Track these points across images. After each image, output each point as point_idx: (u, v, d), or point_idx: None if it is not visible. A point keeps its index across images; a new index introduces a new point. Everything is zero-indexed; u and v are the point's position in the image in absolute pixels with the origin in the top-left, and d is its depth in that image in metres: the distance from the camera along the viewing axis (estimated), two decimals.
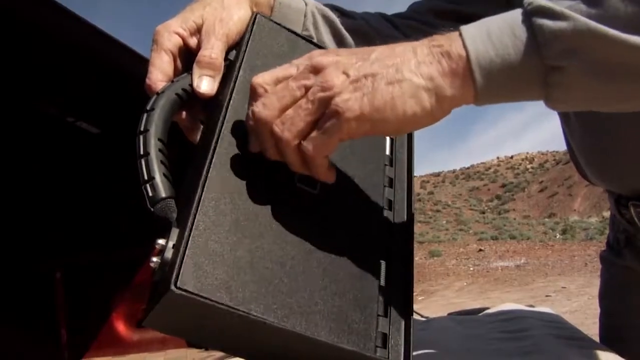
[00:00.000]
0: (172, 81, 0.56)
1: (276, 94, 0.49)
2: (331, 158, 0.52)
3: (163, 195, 0.46)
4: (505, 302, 1.36)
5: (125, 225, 2.79)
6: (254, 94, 0.50)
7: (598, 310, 1.07)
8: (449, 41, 0.48)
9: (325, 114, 0.47)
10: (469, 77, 0.47)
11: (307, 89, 0.48)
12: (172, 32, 0.59)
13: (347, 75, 0.47)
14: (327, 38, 0.77)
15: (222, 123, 0.51)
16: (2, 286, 2.96)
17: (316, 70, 0.48)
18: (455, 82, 0.47)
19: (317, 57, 0.49)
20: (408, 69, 0.47)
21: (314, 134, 0.48)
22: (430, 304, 8.56)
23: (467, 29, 0.48)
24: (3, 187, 2.90)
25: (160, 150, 0.49)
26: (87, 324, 3.14)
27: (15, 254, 3.03)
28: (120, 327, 3.14)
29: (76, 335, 3.15)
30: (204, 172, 0.47)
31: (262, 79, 0.50)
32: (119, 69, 2.25)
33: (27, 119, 2.77)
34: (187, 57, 0.60)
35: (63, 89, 2.59)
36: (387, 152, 0.62)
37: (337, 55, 0.49)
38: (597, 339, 1.02)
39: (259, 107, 0.49)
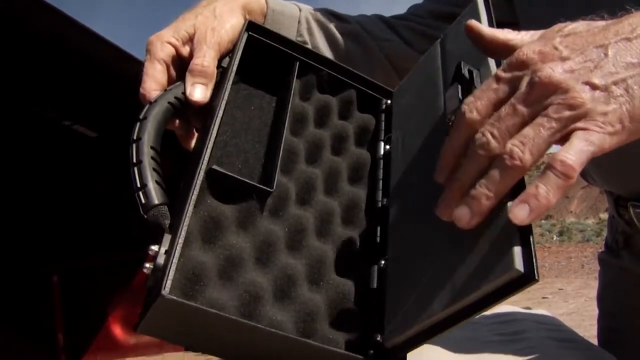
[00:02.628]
0: (166, 90, 0.57)
1: (504, 122, 0.42)
2: None
3: (155, 202, 0.47)
4: (501, 304, 1.36)
5: (122, 229, 2.79)
6: (468, 127, 0.44)
7: (595, 312, 1.07)
8: None
9: (573, 132, 0.41)
10: None
11: (543, 109, 0.41)
12: (165, 42, 0.60)
13: (593, 85, 0.41)
14: (322, 43, 0.77)
15: (213, 131, 0.52)
16: None
17: (550, 88, 0.42)
18: None
19: (543, 70, 0.42)
20: None
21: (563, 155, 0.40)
22: None
23: None
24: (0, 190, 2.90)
25: (152, 158, 0.49)
26: (84, 328, 3.13)
27: (12, 258, 3.02)
28: (117, 330, 3.13)
29: (73, 339, 3.13)
30: (195, 179, 0.48)
31: (476, 111, 0.44)
32: (116, 73, 2.25)
33: (24, 122, 2.77)
34: (180, 66, 0.61)
35: (60, 92, 2.59)
36: None
37: (564, 62, 0.42)
38: (594, 341, 1.02)
39: (487, 141, 0.42)
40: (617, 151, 0.82)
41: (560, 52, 0.43)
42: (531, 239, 0.39)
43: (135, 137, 0.50)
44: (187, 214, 0.45)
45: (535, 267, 0.38)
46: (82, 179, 3.10)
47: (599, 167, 0.88)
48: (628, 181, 0.84)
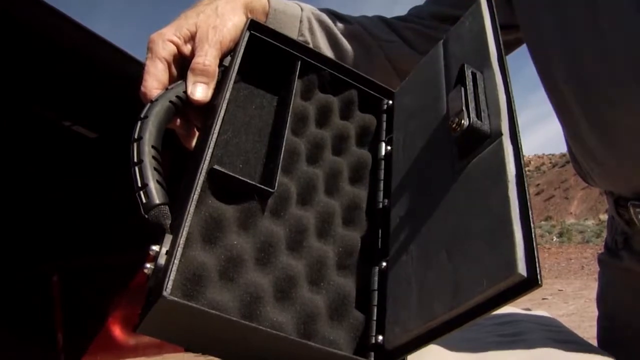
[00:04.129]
0: (167, 89, 0.57)
1: None
2: None
3: (157, 201, 0.46)
4: None
5: (122, 229, 2.79)
6: None
7: (595, 313, 1.07)
8: None
9: None
10: None
11: None
12: (166, 40, 0.59)
13: None
14: (323, 43, 0.77)
15: (215, 130, 0.51)
16: None
17: None
18: None
19: None
20: None
21: None
22: None
23: None
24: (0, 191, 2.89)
25: (154, 157, 0.49)
26: (84, 328, 3.13)
27: (12, 257, 3.02)
28: (117, 331, 3.13)
29: (73, 339, 3.13)
30: (197, 179, 0.47)
31: None
32: (117, 73, 2.25)
33: (23, 122, 2.77)
34: (181, 64, 0.60)
35: (60, 92, 2.59)
36: None
37: None
38: (593, 342, 1.02)
39: None
40: (617, 149, 0.82)
41: None
42: (534, 243, 0.39)
43: (136, 137, 0.50)
44: (189, 214, 0.45)
45: (538, 271, 0.38)
46: (82, 179, 3.10)
47: (600, 166, 0.87)
48: (629, 179, 0.84)
